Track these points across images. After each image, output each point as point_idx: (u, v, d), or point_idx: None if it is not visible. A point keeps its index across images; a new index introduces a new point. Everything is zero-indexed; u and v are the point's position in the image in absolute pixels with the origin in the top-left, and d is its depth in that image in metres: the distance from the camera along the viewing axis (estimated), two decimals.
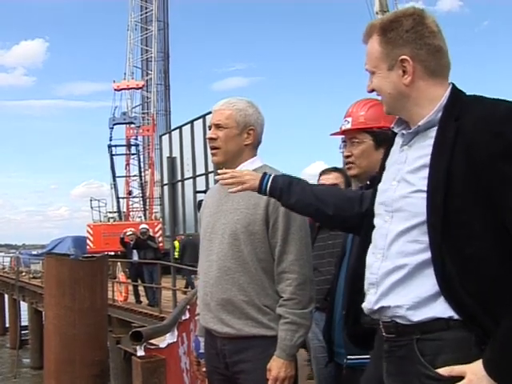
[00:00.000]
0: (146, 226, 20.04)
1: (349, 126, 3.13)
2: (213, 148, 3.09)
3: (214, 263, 3.02)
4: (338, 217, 2.48)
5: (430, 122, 2.03)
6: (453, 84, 2.07)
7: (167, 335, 3.53)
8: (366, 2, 29.31)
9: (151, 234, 21.04)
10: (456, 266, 1.89)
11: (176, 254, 26.68)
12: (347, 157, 3.14)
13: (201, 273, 3.14)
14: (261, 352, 2.94)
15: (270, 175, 2.50)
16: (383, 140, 3.05)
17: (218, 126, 3.08)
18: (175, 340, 3.66)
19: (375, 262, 2.11)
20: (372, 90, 2.17)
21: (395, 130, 2.21)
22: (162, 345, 3.33)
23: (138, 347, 3.01)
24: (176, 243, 27.01)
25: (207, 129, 3.21)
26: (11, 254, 49.15)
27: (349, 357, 2.98)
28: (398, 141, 2.19)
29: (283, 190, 2.44)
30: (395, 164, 2.15)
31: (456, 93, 2.04)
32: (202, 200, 3.52)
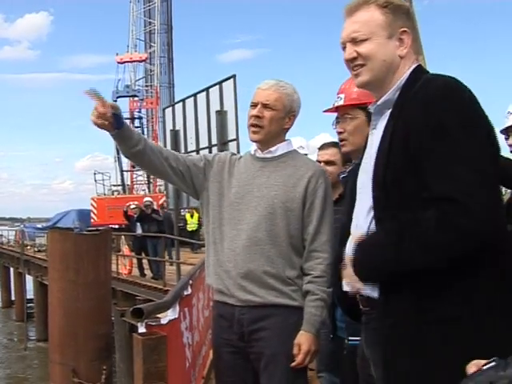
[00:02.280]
0: (149, 199, 19.91)
1: (341, 102, 3.18)
2: (255, 126, 3.17)
3: (244, 232, 3.08)
4: None
5: (388, 101, 2.14)
6: (418, 65, 2.18)
7: (169, 311, 3.53)
8: None
9: (155, 206, 20.92)
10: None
11: (189, 227, 26.87)
12: (340, 133, 3.17)
13: (224, 240, 3.14)
14: (281, 320, 3.03)
15: None
16: None
17: (265, 106, 3.15)
18: (177, 316, 3.66)
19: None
20: (354, 58, 2.18)
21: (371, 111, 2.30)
22: (164, 321, 3.32)
23: (139, 324, 3.01)
24: (188, 216, 27.10)
25: (249, 105, 3.26)
26: (16, 228, 49.32)
27: (350, 338, 2.99)
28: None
29: None
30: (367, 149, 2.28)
31: (416, 72, 2.13)
32: None
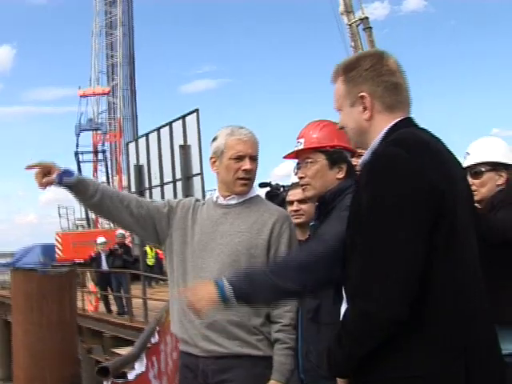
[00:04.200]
0: (122, 232, 18.95)
1: (301, 147, 3.11)
2: (248, 179, 3.15)
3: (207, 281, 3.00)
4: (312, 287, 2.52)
5: (364, 162, 2.14)
6: (395, 123, 2.12)
7: (136, 364, 3.46)
8: (330, 3, 29.44)
9: (126, 241, 19.99)
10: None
11: (149, 261, 26.48)
12: (301, 178, 3.10)
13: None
14: (247, 370, 2.97)
15: (220, 289, 2.42)
16: (337, 159, 3.04)
17: (251, 158, 3.14)
18: (144, 370, 3.58)
19: None
20: (342, 128, 2.27)
21: None
22: (131, 376, 3.26)
23: (105, 382, 2.94)
24: (148, 249, 26.73)
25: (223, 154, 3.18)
26: None
27: None
28: None
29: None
30: None
31: (389, 131, 2.10)
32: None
